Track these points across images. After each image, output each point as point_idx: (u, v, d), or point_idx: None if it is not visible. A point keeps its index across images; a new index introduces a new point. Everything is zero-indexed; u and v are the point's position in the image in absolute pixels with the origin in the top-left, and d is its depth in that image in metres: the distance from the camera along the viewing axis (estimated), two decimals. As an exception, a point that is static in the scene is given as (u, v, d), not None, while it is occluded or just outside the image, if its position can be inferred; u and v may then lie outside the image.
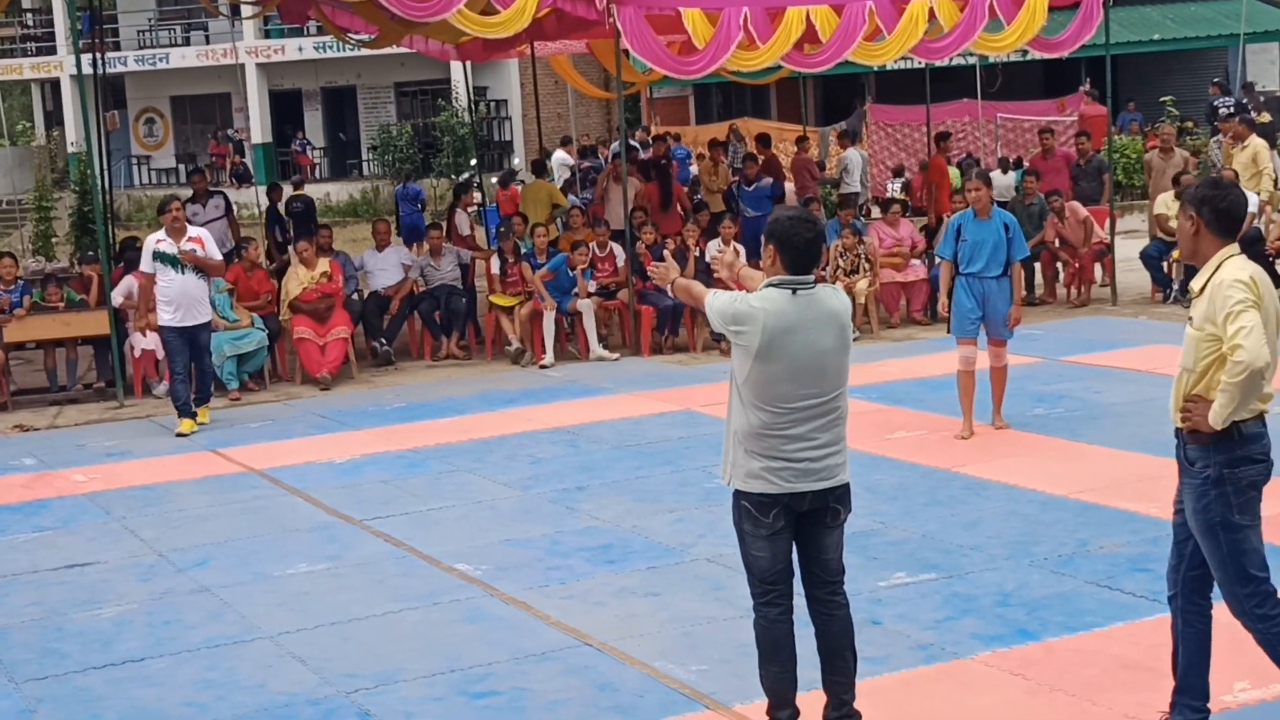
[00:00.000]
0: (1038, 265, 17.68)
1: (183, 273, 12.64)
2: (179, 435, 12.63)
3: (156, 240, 12.77)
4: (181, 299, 12.65)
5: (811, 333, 5.58)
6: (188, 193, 17.72)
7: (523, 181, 21.35)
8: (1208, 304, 5.40)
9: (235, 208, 18.26)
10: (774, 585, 5.72)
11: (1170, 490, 9.41)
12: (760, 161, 19.92)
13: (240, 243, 16.63)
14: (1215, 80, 30.23)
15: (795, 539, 5.75)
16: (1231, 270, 5.40)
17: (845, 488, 5.76)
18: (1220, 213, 5.46)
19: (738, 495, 5.73)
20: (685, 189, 20.43)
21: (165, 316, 12.70)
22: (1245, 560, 5.44)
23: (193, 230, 12.91)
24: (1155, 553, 8.11)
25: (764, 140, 21.98)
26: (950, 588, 7.74)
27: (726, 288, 6.03)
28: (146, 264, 12.79)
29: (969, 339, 11.09)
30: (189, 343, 12.77)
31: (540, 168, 22.31)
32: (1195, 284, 5.51)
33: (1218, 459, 5.40)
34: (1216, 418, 5.31)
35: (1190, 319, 5.50)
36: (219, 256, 13.15)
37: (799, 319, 5.58)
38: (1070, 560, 8.06)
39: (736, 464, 5.70)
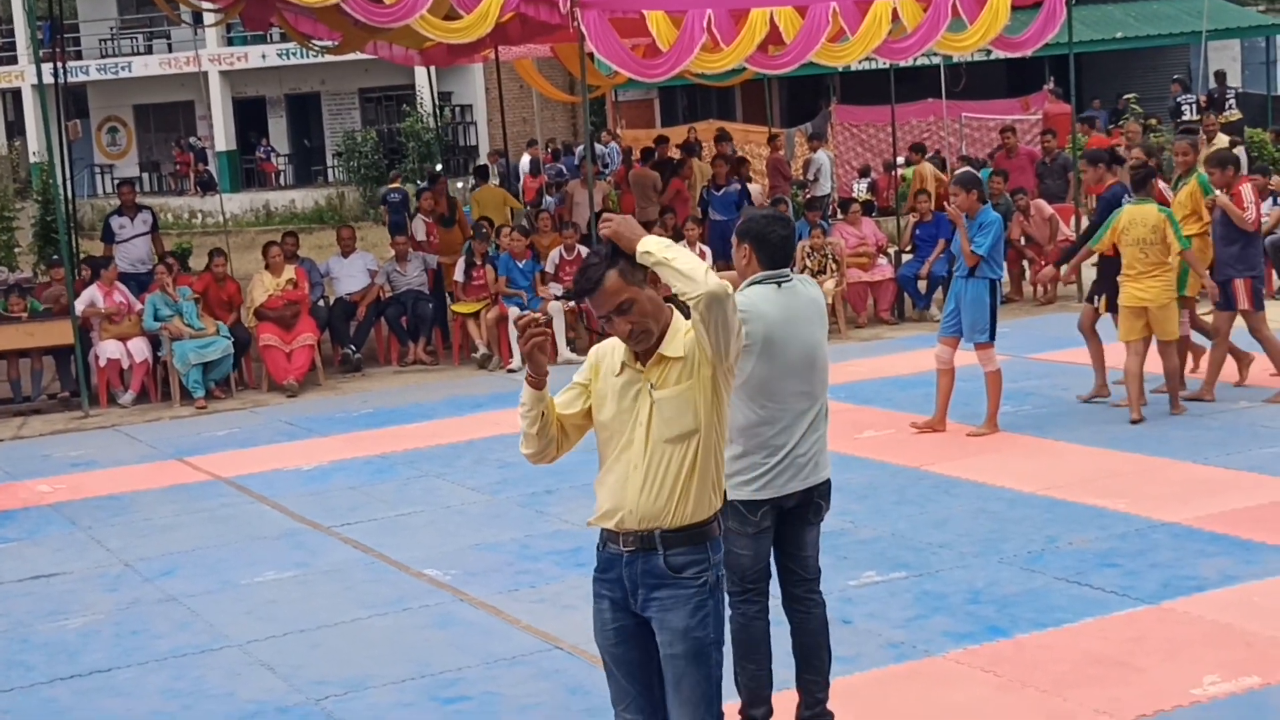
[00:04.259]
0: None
1: None
2: None
3: None
4: None
5: (802, 326, 5.68)
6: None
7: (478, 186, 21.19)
8: (694, 349, 4.48)
9: (200, 216, 18.14)
10: (754, 584, 5.74)
11: (1137, 484, 9.50)
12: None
13: (211, 254, 16.53)
14: (1176, 78, 30.41)
15: (775, 537, 5.77)
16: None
17: (828, 483, 5.79)
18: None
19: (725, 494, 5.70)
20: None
21: None
22: (720, 688, 4.51)
23: None
24: (1123, 548, 8.14)
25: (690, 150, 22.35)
26: (920, 586, 7.74)
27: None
28: None
29: (945, 338, 11.05)
30: None
31: (485, 173, 22.19)
32: (670, 349, 4.52)
33: (716, 558, 4.49)
34: (663, 253, 4.31)
35: (661, 381, 4.51)
36: None
37: (789, 311, 5.65)
38: (1039, 557, 8.08)
39: (732, 474, 5.66)
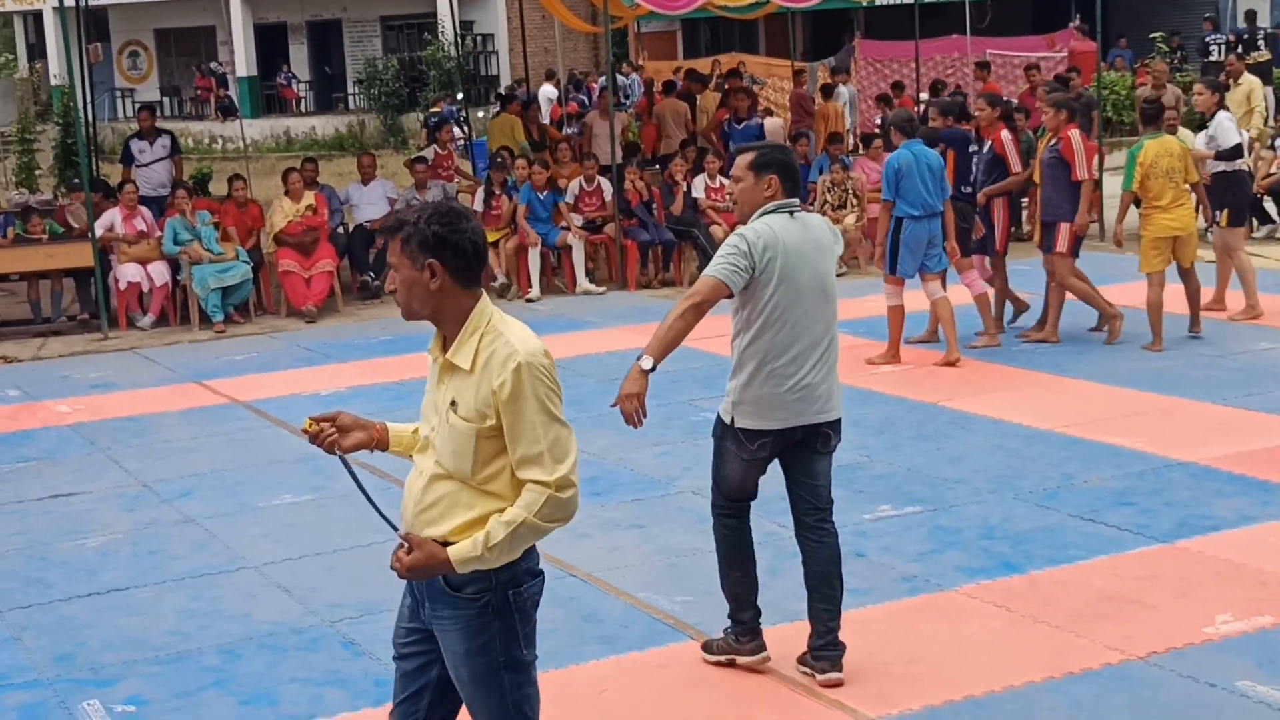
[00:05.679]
0: (1025, 201, 17.61)
1: None
2: None
3: None
4: None
5: (813, 255, 5.69)
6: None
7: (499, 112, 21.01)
8: (488, 388, 3.95)
9: (220, 141, 18.09)
10: (736, 502, 5.87)
11: (1154, 423, 9.47)
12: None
13: (231, 179, 16.50)
14: (1207, 15, 30.13)
15: (786, 466, 5.82)
16: (532, 339, 4.00)
17: (838, 421, 5.79)
18: (465, 254, 3.99)
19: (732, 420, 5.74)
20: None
21: None
22: (530, 708, 4.16)
23: None
24: (1139, 487, 8.14)
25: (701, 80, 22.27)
26: (935, 520, 7.76)
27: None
28: None
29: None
30: None
31: (510, 101, 21.99)
32: (458, 356, 4.01)
33: (502, 578, 4.02)
34: (487, 560, 3.95)
35: (453, 404, 4.02)
36: None
37: (802, 239, 5.67)
38: (1054, 494, 8.09)
39: (740, 402, 5.72)
